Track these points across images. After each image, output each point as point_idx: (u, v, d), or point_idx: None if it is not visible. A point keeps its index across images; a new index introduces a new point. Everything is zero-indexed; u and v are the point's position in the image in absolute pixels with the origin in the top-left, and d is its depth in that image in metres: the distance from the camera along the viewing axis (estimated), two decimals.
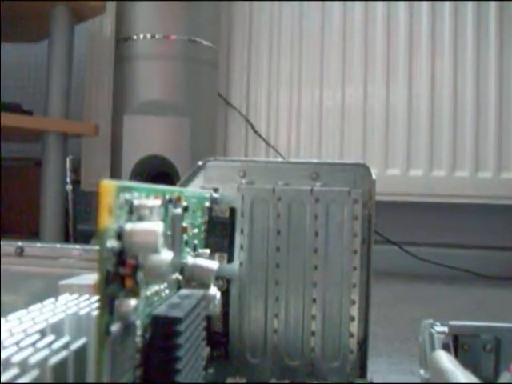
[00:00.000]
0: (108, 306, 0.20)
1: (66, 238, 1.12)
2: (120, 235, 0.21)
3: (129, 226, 0.21)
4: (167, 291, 0.27)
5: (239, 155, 1.23)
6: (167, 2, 1.05)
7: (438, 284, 1.10)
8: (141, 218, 0.23)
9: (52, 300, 0.25)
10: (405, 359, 0.56)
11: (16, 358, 0.18)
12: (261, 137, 1.23)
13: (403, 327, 0.70)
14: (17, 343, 0.19)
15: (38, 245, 0.47)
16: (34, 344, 0.19)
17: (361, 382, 0.40)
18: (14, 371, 0.17)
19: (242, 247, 0.41)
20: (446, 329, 0.35)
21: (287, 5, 1.24)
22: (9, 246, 0.46)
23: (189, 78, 1.05)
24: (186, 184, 0.42)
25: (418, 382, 0.33)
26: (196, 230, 0.36)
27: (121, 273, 0.21)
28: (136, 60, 1.05)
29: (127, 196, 0.22)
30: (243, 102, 1.25)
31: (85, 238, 1.28)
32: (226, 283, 0.41)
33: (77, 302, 0.25)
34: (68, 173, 1.12)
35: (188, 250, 0.33)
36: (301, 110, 1.23)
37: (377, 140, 1.19)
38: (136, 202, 0.22)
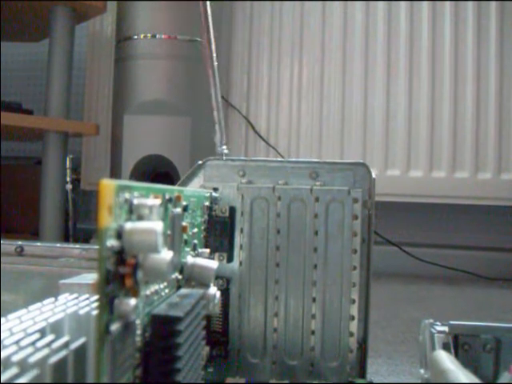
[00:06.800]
0: (108, 306, 0.20)
1: (66, 237, 1.11)
2: (120, 234, 0.21)
3: (128, 226, 0.21)
4: (167, 290, 0.27)
5: (239, 155, 1.23)
6: (167, 1, 1.05)
7: (437, 285, 1.09)
8: (140, 218, 0.23)
9: (52, 299, 0.25)
10: (404, 360, 0.56)
11: (16, 357, 0.18)
12: (261, 137, 1.23)
13: (402, 328, 0.70)
14: (17, 342, 0.19)
15: (38, 244, 0.47)
16: (33, 343, 0.19)
17: (360, 381, 0.40)
18: (13, 370, 0.17)
19: (241, 246, 0.41)
20: (446, 328, 0.35)
21: (288, 5, 1.24)
22: (9, 245, 0.46)
23: (189, 78, 1.05)
24: (185, 183, 0.42)
25: (418, 381, 0.33)
26: (196, 230, 0.36)
27: (121, 272, 0.21)
28: (136, 60, 1.05)
29: (127, 195, 0.22)
30: (243, 101, 1.25)
31: (85, 237, 1.28)
32: (225, 282, 0.41)
33: (77, 301, 0.25)
34: (68, 172, 1.12)
35: (188, 249, 0.33)
36: (301, 111, 1.23)
37: (377, 140, 1.19)
38: (136, 202, 0.22)
